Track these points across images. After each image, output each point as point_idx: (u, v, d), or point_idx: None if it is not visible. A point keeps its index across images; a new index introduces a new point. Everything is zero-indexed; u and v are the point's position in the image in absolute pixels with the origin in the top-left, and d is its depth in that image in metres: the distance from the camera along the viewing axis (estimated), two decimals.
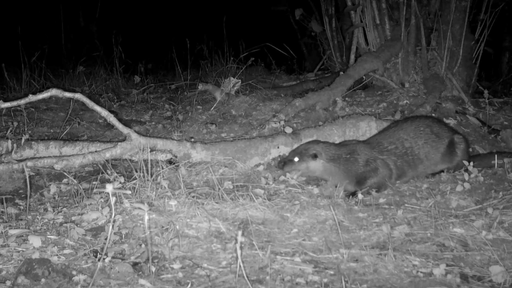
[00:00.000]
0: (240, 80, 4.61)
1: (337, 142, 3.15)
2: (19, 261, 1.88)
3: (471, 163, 2.85)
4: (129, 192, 2.25)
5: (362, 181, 2.73)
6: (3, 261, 1.89)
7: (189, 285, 1.75)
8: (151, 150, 3.00)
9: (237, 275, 1.78)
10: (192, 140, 3.32)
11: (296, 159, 2.79)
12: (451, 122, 3.77)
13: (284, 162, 2.82)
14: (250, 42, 5.93)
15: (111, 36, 6.11)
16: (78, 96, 2.88)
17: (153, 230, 2.13)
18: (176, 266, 1.90)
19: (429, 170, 2.90)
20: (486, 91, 4.04)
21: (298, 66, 6.49)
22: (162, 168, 2.83)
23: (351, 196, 2.63)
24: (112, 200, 1.67)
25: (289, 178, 2.85)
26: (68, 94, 2.85)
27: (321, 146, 2.81)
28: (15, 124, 3.86)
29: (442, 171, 2.92)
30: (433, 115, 3.90)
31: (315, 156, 2.76)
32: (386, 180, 2.74)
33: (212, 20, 7.09)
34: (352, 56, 5.09)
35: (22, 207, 2.54)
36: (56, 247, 2.01)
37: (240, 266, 1.68)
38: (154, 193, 2.48)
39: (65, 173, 2.88)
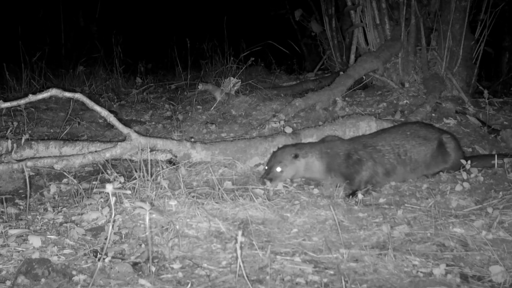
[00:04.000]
0: (240, 80, 4.61)
1: None
2: (19, 261, 1.88)
3: (469, 162, 2.84)
4: (129, 192, 2.25)
5: (351, 177, 2.73)
6: (3, 261, 1.89)
7: (189, 285, 1.75)
8: (151, 150, 3.00)
9: (237, 275, 1.78)
10: (192, 140, 3.32)
11: (278, 168, 2.73)
12: (451, 122, 3.77)
13: (270, 178, 2.71)
14: (250, 42, 5.93)
15: (111, 36, 6.11)
16: (78, 96, 2.88)
17: (153, 230, 2.13)
18: (176, 266, 1.90)
19: (423, 172, 2.89)
20: (486, 91, 4.04)
21: (298, 66, 6.49)
22: (162, 168, 2.83)
23: (351, 196, 2.63)
24: (112, 200, 1.67)
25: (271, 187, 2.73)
26: (68, 94, 2.85)
27: (297, 147, 2.81)
28: (15, 124, 3.86)
29: (442, 171, 2.91)
30: (433, 115, 3.90)
31: (296, 156, 2.75)
32: (374, 173, 2.74)
33: (213, 20, 7.10)
34: (352, 56, 5.10)
35: (22, 207, 2.54)
36: (56, 247, 2.01)
37: (240, 266, 1.68)
38: (154, 193, 2.48)
39: (65, 173, 2.88)
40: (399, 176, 2.84)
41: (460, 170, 2.86)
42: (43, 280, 1.76)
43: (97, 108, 2.90)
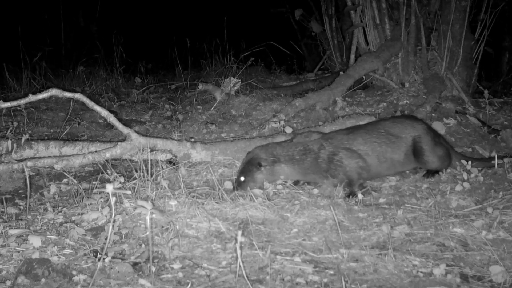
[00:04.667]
0: (240, 80, 4.61)
1: None
2: (19, 261, 1.88)
3: (469, 162, 2.83)
4: (129, 192, 2.25)
5: (335, 177, 2.71)
6: (3, 261, 1.89)
7: (189, 285, 1.75)
8: (151, 150, 3.00)
9: (237, 275, 1.78)
10: (192, 140, 3.33)
11: (242, 178, 2.71)
12: (451, 122, 3.77)
13: (234, 185, 2.72)
14: (250, 42, 5.93)
15: (111, 36, 6.12)
16: (78, 96, 2.88)
17: (153, 230, 2.13)
18: (176, 266, 1.90)
19: (398, 170, 2.85)
20: (486, 91, 4.04)
21: (298, 66, 6.49)
22: (162, 168, 2.83)
23: (351, 196, 2.63)
24: (112, 200, 1.67)
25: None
26: (68, 94, 2.85)
27: (264, 152, 2.74)
28: (15, 124, 3.86)
29: (431, 170, 2.88)
30: (433, 115, 3.90)
31: (259, 165, 2.71)
32: (361, 169, 2.70)
33: (213, 20, 7.10)
34: (352, 56, 5.09)
35: (22, 207, 2.54)
36: (56, 247, 2.01)
37: (240, 266, 1.68)
38: (154, 193, 2.48)
39: (65, 173, 2.88)
40: (374, 175, 2.81)
41: (460, 170, 2.86)
42: (43, 280, 1.77)
43: (97, 108, 2.90)
